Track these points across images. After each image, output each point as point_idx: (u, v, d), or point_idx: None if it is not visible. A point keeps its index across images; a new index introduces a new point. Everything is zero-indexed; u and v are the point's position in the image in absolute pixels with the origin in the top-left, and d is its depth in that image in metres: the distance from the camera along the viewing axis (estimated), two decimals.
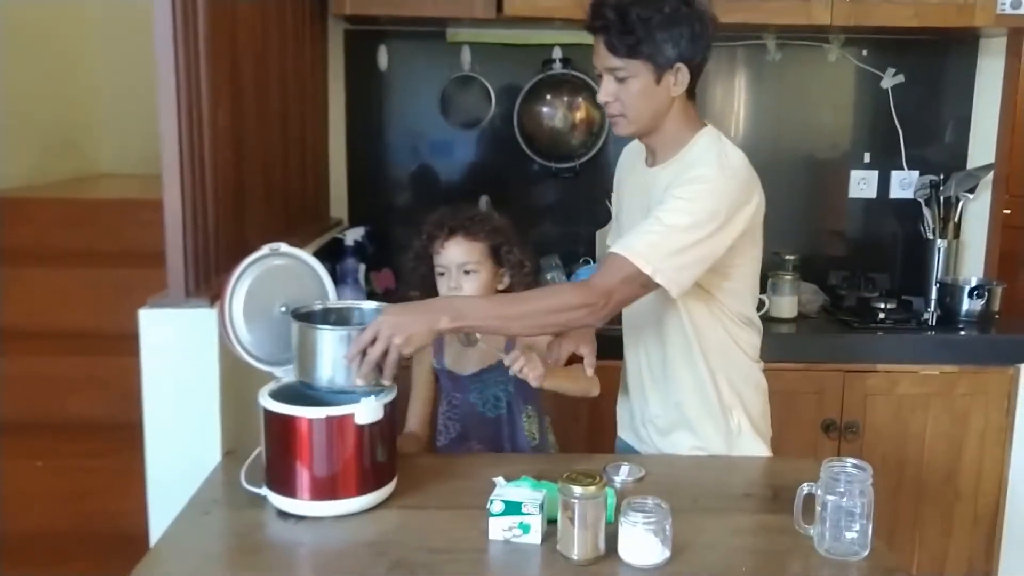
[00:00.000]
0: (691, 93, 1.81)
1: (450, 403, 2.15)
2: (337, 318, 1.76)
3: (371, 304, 1.79)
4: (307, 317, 1.70)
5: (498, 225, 2.06)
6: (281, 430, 1.60)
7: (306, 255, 1.83)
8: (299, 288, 1.79)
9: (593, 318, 1.71)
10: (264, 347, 1.73)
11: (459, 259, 2.00)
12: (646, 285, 1.71)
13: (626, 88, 1.76)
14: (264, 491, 1.64)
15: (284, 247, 1.78)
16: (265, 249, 1.76)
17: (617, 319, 1.99)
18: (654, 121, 1.80)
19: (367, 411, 1.59)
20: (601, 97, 1.81)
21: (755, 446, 1.94)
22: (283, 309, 1.74)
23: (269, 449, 1.63)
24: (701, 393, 1.90)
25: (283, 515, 1.61)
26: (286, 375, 1.73)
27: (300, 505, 1.60)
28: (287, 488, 1.60)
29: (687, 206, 1.70)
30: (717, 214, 1.70)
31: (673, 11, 1.71)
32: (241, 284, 1.72)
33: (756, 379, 1.97)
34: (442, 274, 2.03)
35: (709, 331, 1.86)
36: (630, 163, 2.02)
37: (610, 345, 2.07)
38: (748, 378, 1.94)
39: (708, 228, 1.69)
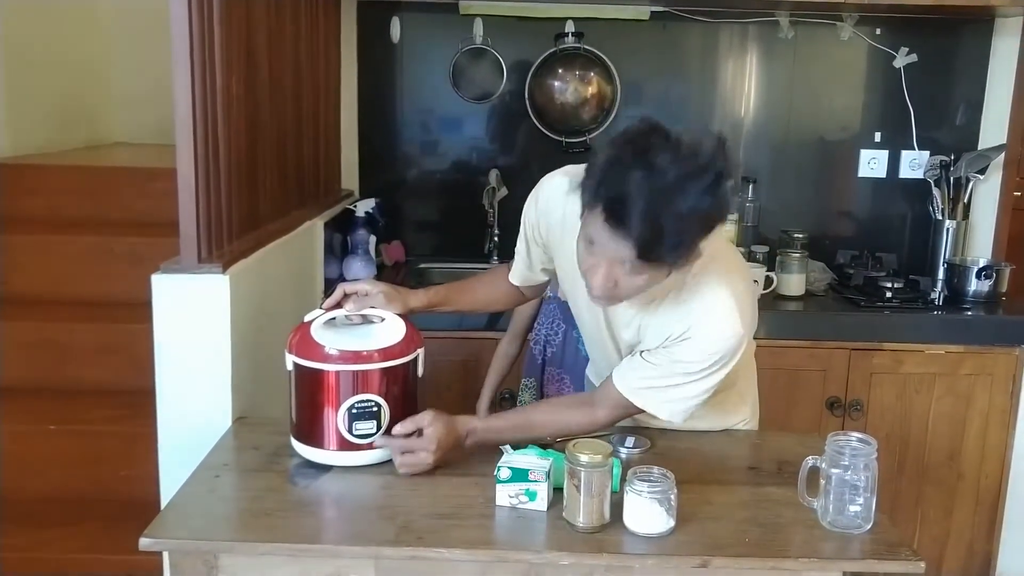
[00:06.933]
0: None
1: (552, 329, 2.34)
2: None
3: None
4: None
5: None
6: (308, 380, 1.65)
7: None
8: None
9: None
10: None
11: None
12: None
13: (631, 279, 1.45)
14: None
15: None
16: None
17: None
18: None
19: None
20: (598, 283, 1.46)
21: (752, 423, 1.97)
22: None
23: (296, 400, 1.68)
24: None
25: (292, 479, 1.63)
26: None
27: (328, 455, 1.66)
28: (314, 439, 1.66)
29: (703, 367, 1.59)
30: (730, 363, 1.60)
31: (715, 202, 1.37)
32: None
33: (749, 361, 1.96)
34: None
35: None
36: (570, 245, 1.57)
37: None
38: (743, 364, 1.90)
39: (721, 373, 1.60)
